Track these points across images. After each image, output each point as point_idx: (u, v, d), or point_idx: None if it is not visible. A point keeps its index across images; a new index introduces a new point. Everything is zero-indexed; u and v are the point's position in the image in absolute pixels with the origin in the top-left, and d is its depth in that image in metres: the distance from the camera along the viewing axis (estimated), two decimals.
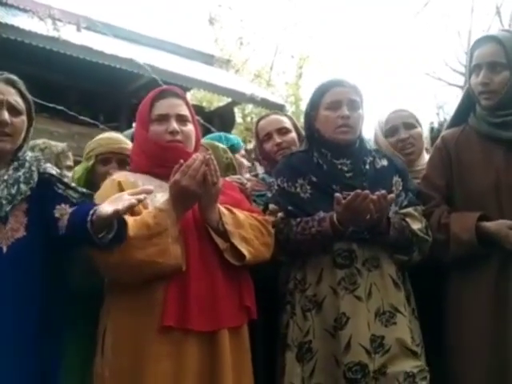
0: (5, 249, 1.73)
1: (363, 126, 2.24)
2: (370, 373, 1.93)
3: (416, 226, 2.10)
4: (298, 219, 2.10)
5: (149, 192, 1.70)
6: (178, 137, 1.97)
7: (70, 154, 2.72)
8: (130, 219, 1.77)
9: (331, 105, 2.17)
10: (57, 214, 1.80)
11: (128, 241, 1.72)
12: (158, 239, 1.75)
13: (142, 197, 1.64)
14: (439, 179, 2.27)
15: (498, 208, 2.12)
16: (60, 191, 1.86)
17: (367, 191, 1.90)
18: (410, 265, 2.13)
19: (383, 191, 1.94)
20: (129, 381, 1.74)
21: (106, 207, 1.63)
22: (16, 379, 1.67)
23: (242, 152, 3.25)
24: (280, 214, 2.13)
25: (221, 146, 2.71)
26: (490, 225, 2.08)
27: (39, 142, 2.68)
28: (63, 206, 1.81)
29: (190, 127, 2.02)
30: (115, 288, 1.86)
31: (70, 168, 2.68)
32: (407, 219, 2.10)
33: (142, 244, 1.74)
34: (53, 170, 1.90)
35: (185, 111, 2.03)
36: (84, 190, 1.92)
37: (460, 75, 16.81)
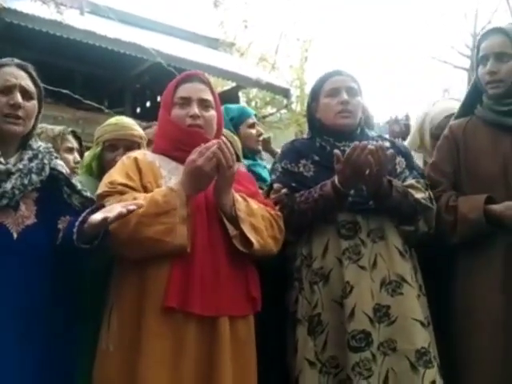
0: (15, 235, 1.75)
1: (362, 114, 2.29)
2: (373, 342, 1.95)
3: (419, 195, 2.12)
4: (302, 192, 2.13)
5: (140, 206, 1.73)
6: (199, 121, 1.99)
7: (69, 136, 2.72)
8: (140, 196, 1.82)
9: (330, 92, 2.23)
10: (59, 226, 1.84)
11: (137, 216, 1.75)
12: (165, 218, 1.77)
13: (132, 207, 1.67)
14: (447, 166, 2.31)
15: (506, 193, 2.14)
16: (65, 196, 1.90)
17: (365, 142, 1.94)
18: (416, 236, 2.14)
19: (381, 143, 1.97)
20: (130, 357, 1.76)
21: (97, 215, 1.68)
22: (20, 365, 1.68)
23: (250, 121, 2.98)
24: (284, 191, 2.16)
25: (237, 139, 2.70)
26: (496, 207, 2.12)
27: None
28: (67, 217, 1.85)
29: (211, 113, 2.03)
30: (124, 265, 1.88)
31: (70, 150, 2.68)
32: (410, 190, 2.12)
33: (149, 221, 1.76)
34: (63, 168, 1.93)
35: (208, 96, 2.03)
36: (88, 195, 1.94)
37: (466, 58, 16.68)
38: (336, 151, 1.97)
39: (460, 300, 2.19)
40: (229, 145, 1.87)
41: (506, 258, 2.10)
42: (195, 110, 1.98)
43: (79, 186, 1.94)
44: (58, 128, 2.73)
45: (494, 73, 2.23)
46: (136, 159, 1.97)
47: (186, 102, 2.00)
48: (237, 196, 1.93)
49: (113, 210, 1.68)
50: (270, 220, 1.99)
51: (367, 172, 1.96)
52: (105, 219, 1.64)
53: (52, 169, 1.88)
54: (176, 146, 1.99)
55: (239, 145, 2.68)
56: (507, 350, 2.04)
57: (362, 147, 1.92)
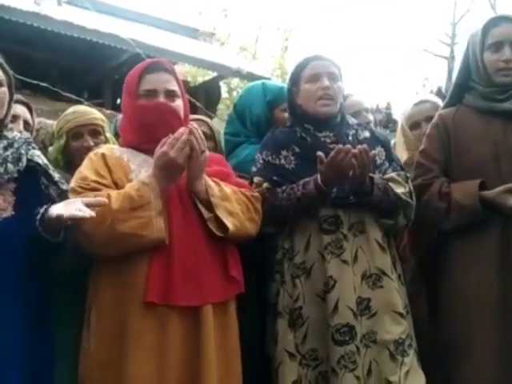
0: None
1: (343, 99, 2.28)
2: (357, 335, 1.97)
3: (399, 189, 2.12)
4: (284, 187, 2.12)
5: (101, 204, 1.68)
6: None
7: None
8: (113, 192, 1.78)
9: (311, 78, 2.20)
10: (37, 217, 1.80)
11: (111, 214, 1.73)
12: (141, 212, 1.75)
13: (86, 214, 1.60)
14: (437, 153, 2.31)
15: (498, 177, 2.16)
16: (43, 187, 1.86)
17: (348, 145, 1.94)
18: (395, 229, 2.17)
19: (364, 145, 1.97)
20: (113, 355, 1.75)
21: (54, 209, 1.65)
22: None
23: (284, 106, 2.65)
24: (265, 185, 2.15)
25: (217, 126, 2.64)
26: (488, 192, 2.14)
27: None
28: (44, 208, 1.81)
29: (177, 103, 1.98)
30: (101, 262, 1.86)
31: None
32: (390, 184, 2.13)
33: (124, 216, 1.74)
34: (40, 158, 1.88)
35: (174, 86, 1.98)
36: (65, 187, 1.90)
37: (447, 46, 16.80)
38: (319, 153, 1.96)
39: (455, 286, 2.21)
40: (199, 130, 1.86)
41: (500, 242, 2.13)
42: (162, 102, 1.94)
43: (56, 177, 1.91)
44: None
45: (511, 61, 2.23)
46: (103, 155, 1.92)
47: (152, 94, 1.94)
48: (209, 182, 1.91)
49: (74, 205, 1.64)
50: (245, 203, 1.98)
51: (350, 174, 1.96)
52: (60, 216, 1.60)
53: (29, 160, 1.84)
54: (146, 132, 1.92)
55: (218, 136, 2.62)
56: (501, 336, 2.07)
57: (345, 151, 1.92)
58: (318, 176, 2.01)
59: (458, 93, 2.41)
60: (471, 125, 2.28)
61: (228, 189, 1.95)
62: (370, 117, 2.98)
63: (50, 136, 2.60)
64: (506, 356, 2.06)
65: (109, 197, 1.75)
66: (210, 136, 2.52)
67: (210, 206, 1.87)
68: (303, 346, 2.02)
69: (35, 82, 7.22)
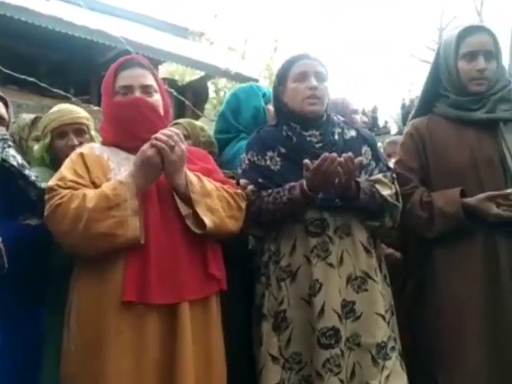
0: None
1: (329, 98, 2.27)
2: (342, 338, 1.98)
3: (386, 191, 2.13)
4: (269, 190, 2.11)
5: None
6: None
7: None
8: (89, 191, 1.78)
9: (298, 76, 2.19)
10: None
11: (87, 213, 1.72)
12: (116, 211, 1.74)
13: None
14: (414, 162, 2.34)
15: (478, 184, 2.19)
16: (21, 190, 1.85)
17: (334, 154, 1.93)
18: (381, 230, 2.17)
19: (350, 153, 1.96)
20: (92, 355, 1.74)
21: None
22: None
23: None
24: (251, 187, 2.14)
25: (198, 124, 2.70)
26: (470, 200, 2.16)
27: None
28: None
29: (155, 98, 1.98)
30: (80, 262, 1.85)
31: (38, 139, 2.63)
32: (377, 185, 2.13)
33: (100, 216, 1.73)
34: (14, 160, 1.86)
35: (150, 81, 1.98)
36: (42, 186, 1.89)
37: (433, 52, 16.92)
38: (305, 161, 1.95)
39: (443, 292, 2.22)
40: (172, 129, 1.86)
41: (483, 249, 2.15)
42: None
43: (33, 177, 1.90)
44: (30, 117, 2.67)
45: (484, 70, 2.27)
46: (82, 155, 1.92)
47: (128, 90, 1.94)
48: (190, 177, 1.89)
49: None
50: (227, 199, 1.96)
51: (336, 181, 1.96)
52: None
53: (3, 160, 1.82)
54: (126, 129, 1.93)
55: (199, 132, 2.65)
56: (491, 340, 2.08)
57: (331, 158, 1.91)
58: (304, 182, 2.01)
59: (428, 101, 2.44)
60: (445, 133, 2.31)
61: (210, 185, 1.94)
62: (365, 118, 3.05)
63: (21, 129, 2.58)
64: (495, 358, 2.07)
65: (84, 196, 1.75)
66: (187, 136, 2.53)
67: (189, 202, 1.86)
68: (287, 349, 2.02)
69: (22, 76, 7.17)
